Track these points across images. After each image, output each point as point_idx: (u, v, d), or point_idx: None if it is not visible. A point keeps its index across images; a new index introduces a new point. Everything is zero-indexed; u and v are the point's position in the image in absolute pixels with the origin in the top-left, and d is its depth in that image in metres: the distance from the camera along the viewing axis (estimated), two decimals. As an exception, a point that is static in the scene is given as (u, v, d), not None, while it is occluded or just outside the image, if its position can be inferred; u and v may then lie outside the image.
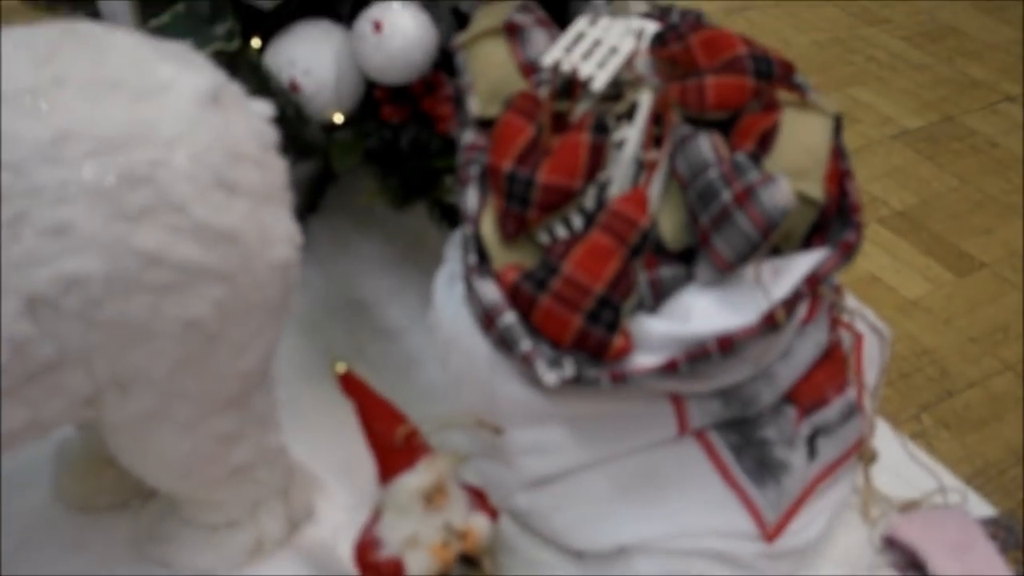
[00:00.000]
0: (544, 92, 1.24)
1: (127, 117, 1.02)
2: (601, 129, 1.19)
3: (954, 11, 3.40)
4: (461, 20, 1.41)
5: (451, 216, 1.51)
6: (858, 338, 1.39)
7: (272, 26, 1.40)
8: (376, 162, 1.42)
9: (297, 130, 1.36)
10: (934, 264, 2.43)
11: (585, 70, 1.22)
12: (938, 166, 2.74)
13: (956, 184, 2.67)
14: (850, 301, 1.40)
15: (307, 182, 1.47)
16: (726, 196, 1.15)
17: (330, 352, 1.49)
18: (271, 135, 1.12)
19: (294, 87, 1.36)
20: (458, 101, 1.34)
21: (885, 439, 1.47)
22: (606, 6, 1.41)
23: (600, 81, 1.22)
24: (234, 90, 1.12)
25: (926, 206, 2.60)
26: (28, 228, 0.98)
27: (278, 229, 1.10)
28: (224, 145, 1.06)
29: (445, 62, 1.39)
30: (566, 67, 1.23)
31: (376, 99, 1.40)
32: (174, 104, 1.04)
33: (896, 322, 2.21)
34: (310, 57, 1.36)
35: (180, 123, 1.04)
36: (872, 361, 1.39)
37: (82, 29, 1.09)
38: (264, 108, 1.14)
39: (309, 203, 1.49)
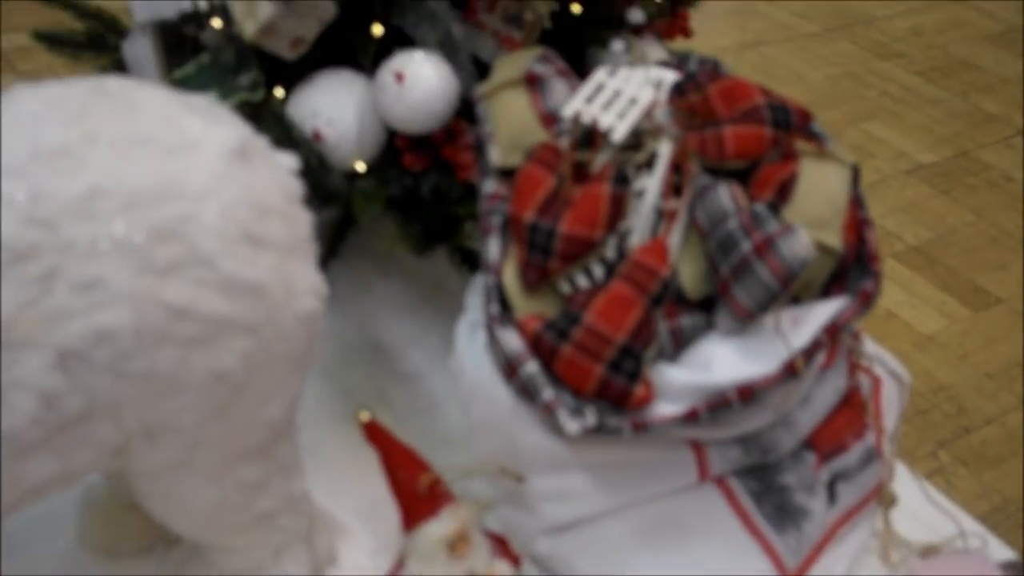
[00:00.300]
0: (565, 142, 1.26)
1: (157, 173, 1.04)
2: (621, 180, 1.21)
3: (968, 45, 3.42)
4: (481, 68, 1.43)
5: (471, 261, 1.52)
6: (876, 382, 1.39)
7: (295, 75, 1.42)
8: (397, 209, 1.44)
9: (320, 179, 1.37)
10: (950, 299, 2.44)
11: (605, 121, 1.24)
12: (953, 201, 2.75)
13: (971, 219, 2.69)
14: (868, 345, 1.41)
15: (328, 227, 1.49)
16: (746, 246, 1.16)
17: (351, 396, 1.50)
18: (296, 187, 1.14)
19: (317, 137, 1.38)
20: (479, 149, 1.35)
21: (903, 481, 1.47)
22: (624, 55, 1.42)
23: (620, 132, 1.23)
24: (260, 143, 1.14)
25: (941, 241, 2.61)
26: (60, 283, 0.99)
27: (303, 281, 1.12)
28: (251, 199, 1.07)
29: (465, 110, 1.41)
30: (586, 118, 1.24)
31: (397, 147, 1.41)
32: (202, 159, 1.06)
33: (912, 358, 2.22)
34: (333, 107, 1.38)
35: (208, 178, 1.05)
36: (891, 405, 1.40)
37: (112, 86, 1.11)
38: (289, 160, 1.15)
39: (330, 248, 1.50)
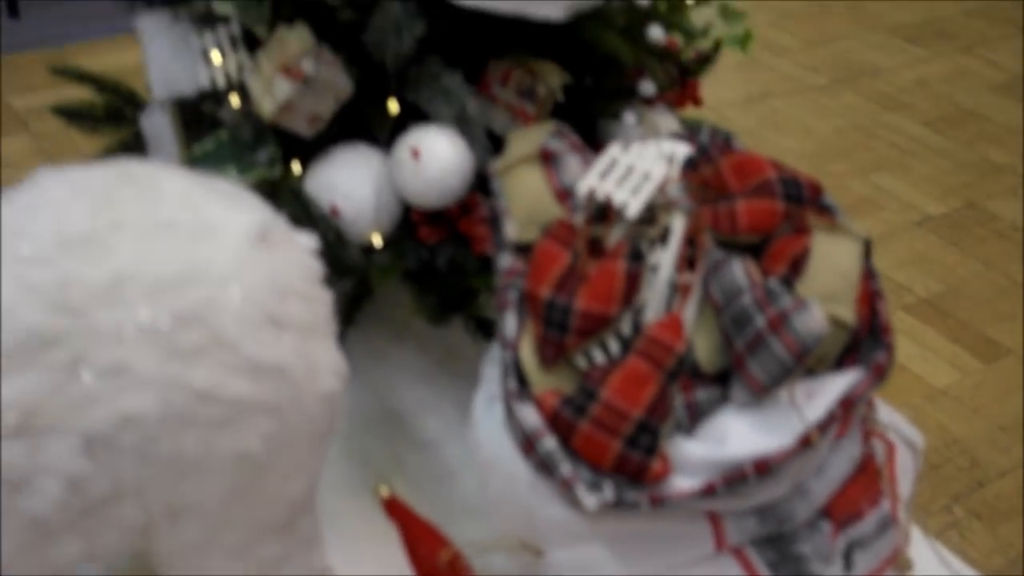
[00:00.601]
0: (579, 218, 1.28)
1: (181, 259, 1.06)
2: (636, 257, 1.23)
3: (974, 96, 3.44)
4: (495, 140, 1.46)
5: (485, 328, 1.54)
6: (891, 448, 1.40)
7: (312, 150, 1.44)
8: (413, 280, 1.46)
9: (337, 253, 1.39)
10: (961, 352, 2.44)
11: (619, 197, 1.26)
12: (962, 252, 2.76)
13: (981, 270, 2.69)
14: (882, 411, 1.42)
15: (344, 298, 1.51)
16: (760, 322, 1.18)
17: (369, 463, 1.52)
18: (316, 268, 1.16)
19: (335, 212, 1.40)
20: (494, 222, 1.37)
21: (918, 543, 1.48)
22: (637, 127, 1.45)
23: (634, 208, 1.25)
24: (280, 225, 1.16)
25: (951, 293, 2.62)
26: (86, 369, 1.01)
27: (324, 360, 1.14)
28: (272, 282, 1.09)
29: (480, 183, 1.43)
30: (601, 195, 1.26)
31: (413, 220, 1.44)
32: (225, 244, 1.08)
33: (924, 411, 2.23)
34: (350, 182, 1.40)
35: (231, 263, 1.07)
36: (905, 471, 1.41)
37: (137, 172, 1.13)
38: (309, 241, 1.17)
39: (346, 319, 1.52)
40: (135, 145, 1.67)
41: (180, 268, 1.05)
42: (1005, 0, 4.06)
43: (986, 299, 2.59)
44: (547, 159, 1.33)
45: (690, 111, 1.69)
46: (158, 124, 1.57)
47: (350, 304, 1.52)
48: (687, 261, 1.27)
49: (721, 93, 3.26)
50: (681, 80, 1.58)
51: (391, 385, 1.63)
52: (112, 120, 1.67)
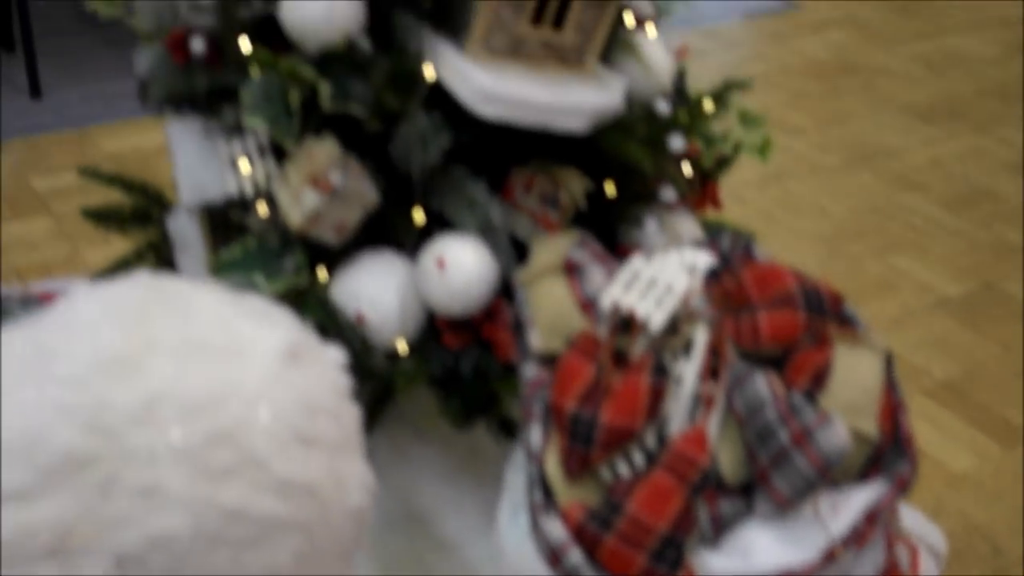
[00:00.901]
0: (603, 329, 1.29)
1: (212, 378, 1.07)
2: (660, 371, 1.24)
3: (987, 175, 3.46)
4: (518, 246, 1.48)
5: (509, 429, 1.55)
6: (914, 553, 1.41)
7: (337, 256, 1.46)
8: (438, 384, 1.47)
9: (362, 359, 1.41)
10: (980, 436, 2.45)
11: (643, 311, 1.28)
12: (980, 334, 2.77)
13: (998, 352, 2.70)
14: (905, 515, 1.43)
15: (368, 400, 1.52)
16: (783, 436, 1.19)
17: (392, 565, 1.52)
18: (345, 383, 1.17)
19: (360, 320, 1.41)
20: (517, 329, 1.39)
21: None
22: (658, 233, 1.47)
23: (657, 321, 1.27)
24: (309, 341, 1.17)
25: (969, 376, 2.62)
26: (119, 490, 1.02)
27: (353, 477, 1.14)
28: (302, 400, 1.10)
29: (504, 288, 1.45)
30: (624, 308, 1.28)
31: (438, 326, 1.45)
32: (256, 363, 1.09)
33: (945, 497, 2.23)
34: (375, 290, 1.42)
35: (262, 382, 1.08)
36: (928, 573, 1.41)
37: (169, 289, 1.14)
38: (337, 355, 1.19)
39: (370, 421, 1.53)
40: (161, 245, 1.69)
41: (212, 388, 1.06)
42: (1017, 79, 4.10)
43: (1004, 381, 2.60)
44: (571, 270, 1.35)
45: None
46: (185, 226, 1.59)
47: (373, 407, 1.53)
48: (710, 371, 1.28)
49: (738, 174, 3.29)
50: (701, 183, 1.61)
51: (414, 485, 1.64)
52: (139, 221, 1.69)
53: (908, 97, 3.92)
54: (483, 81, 1.35)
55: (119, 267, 1.74)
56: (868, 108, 3.83)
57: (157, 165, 3.12)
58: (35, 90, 3.50)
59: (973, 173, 3.46)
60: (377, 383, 1.44)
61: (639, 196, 1.54)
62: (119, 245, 1.84)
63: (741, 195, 3.19)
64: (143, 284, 1.16)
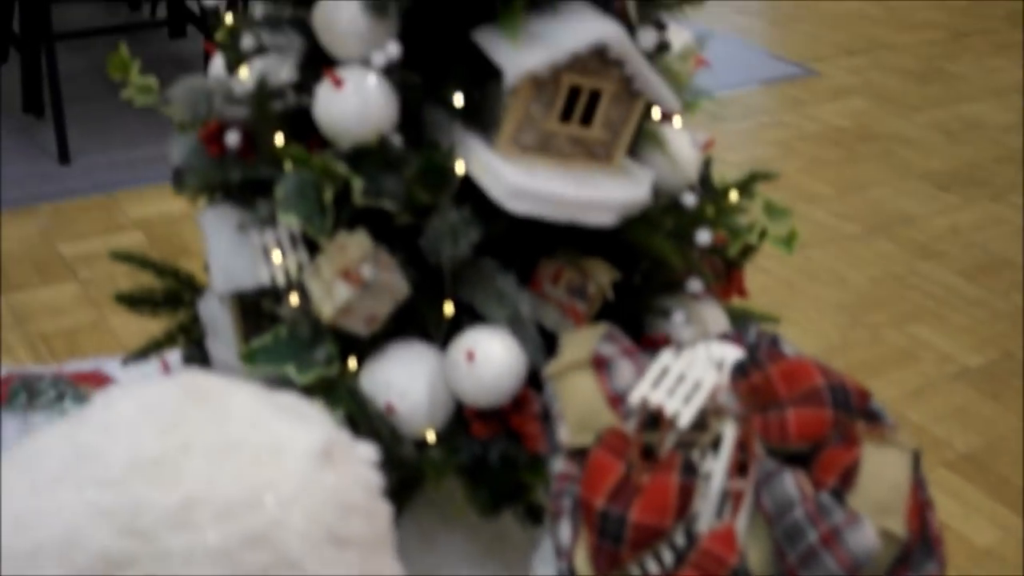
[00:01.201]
0: (632, 424, 1.31)
1: (248, 480, 1.08)
2: (689, 470, 1.25)
3: (1006, 243, 3.47)
4: (546, 336, 1.49)
5: (536, 515, 1.56)
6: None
7: (367, 346, 1.48)
8: (466, 474, 1.49)
9: (391, 449, 1.42)
10: (1003, 509, 2.44)
11: (671, 407, 1.29)
12: (1001, 405, 2.77)
13: (1020, 424, 2.70)
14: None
15: (396, 488, 1.53)
16: (812, 537, 1.20)
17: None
18: (377, 481, 1.19)
19: (390, 410, 1.43)
20: (546, 418, 1.40)
21: None
22: (686, 325, 1.48)
23: (686, 418, 1.28)
24: (343, 440, 1.19)
25: (991, 448, 2.62)
26: (155, 592, 1.03)
27: (385, 574, 1.16)
28: (336, 500, 1.12)
29: (533, 378, 1.46)
30: (653, 405, 1.29)
31: (466, 416, 1.47)
32: (291, 464, 1.11)
33: (968, 573, 2.22)
34: (405, 380, 1.44)
35: (296, 483, 1.10)
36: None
37: (204, 388, 1.16)
38: (370, 452, 1.20)
39: (397, 508, 1.54)
40: (192, 328, 1.71)
41: (247, 490, 1.08)
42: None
43: (1027, 454, 2.59)
44: (599, 365, 1.36)
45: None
46: (215, 311, 1.61)
47: (401, 494, 1.54)
48: (738, 467, 1.29)
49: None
50: (727, 272, 1.62)
51: (439, 570, 1.64)
52: (170, 304, 1.71)
53: (926, 164, 3.94)
54: (513, 177, 1.38)
55: (150, 349, 1.76)
56: (887, 175, 3.84)
57: (183, 230, 3.17)
58: (64, 155, 3.54)
59: (992, 241, 3.47)
60: (405, 472, 1.45)
61: (666, 286, 1.56)
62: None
63: (762, 264, 3.20)
64: (179, 383, 1.18)
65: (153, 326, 1.82)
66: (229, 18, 1.60)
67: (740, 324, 1.49)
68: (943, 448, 2.60)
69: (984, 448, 2.60)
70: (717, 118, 4.09)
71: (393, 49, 1.38)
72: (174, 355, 1.81)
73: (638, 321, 1.56)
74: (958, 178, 3.85)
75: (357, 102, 1.37)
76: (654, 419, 1.32)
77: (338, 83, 1.37)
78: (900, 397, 2.74)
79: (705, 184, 1.59)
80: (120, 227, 3.23)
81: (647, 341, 1.52)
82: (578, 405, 1.35)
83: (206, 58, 3.81)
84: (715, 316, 1.57)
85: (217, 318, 1.61)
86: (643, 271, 1.55)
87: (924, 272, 3.28)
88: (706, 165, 1.62)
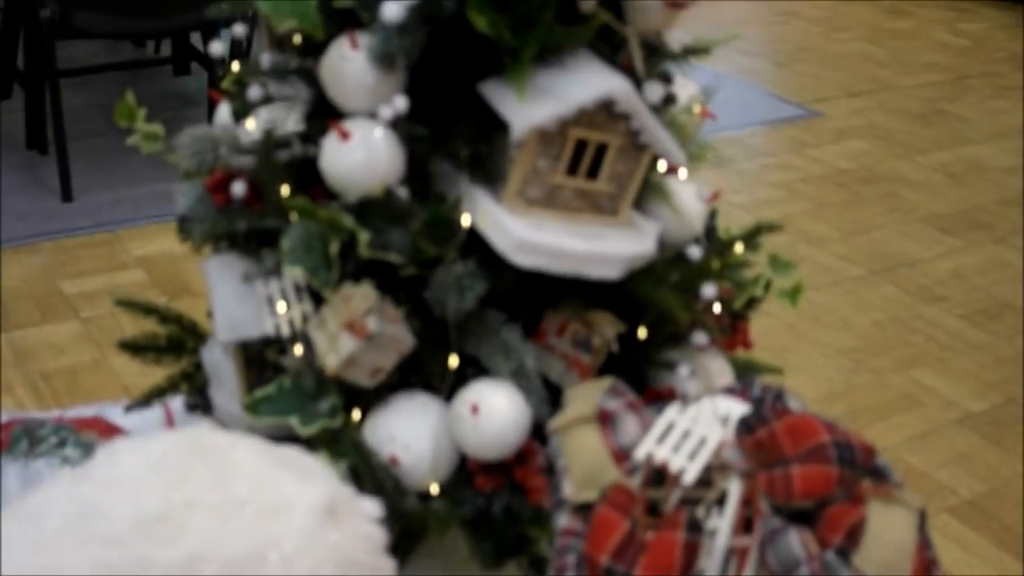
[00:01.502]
0: (637, 480, 1.30)
1: (252, 537, 1.08)
2: (695, 527, 1.25)
3: (1010, 287, 3.47)
4: (550, 387, 1.49)
5: (539, 567, 1.55)
6: None
7: (371, 397, 1.48)
8: (470, 526, 1.48)
9: (395, 501, 1.42)
10: (1007, 557, 2.43)
11: (676, 464, 1.28)
12: (1005, 451, 2.76)
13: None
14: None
15: (399, 540, 1.53)
16: (818, 597, 1.19)
17: None
18: (381, 537, 1.18)
19: (394, 462, 1.43)
20: (550, 471, 1.39)
21: None
22: (690, 379, 1.48)
23: (691, 475, 1.27)
24: (347, 495, 1.18)
25: (995, 494, 2.61)
26: (158, 649, 1.02)
27: (387, 631, 1.15)
28: (339, 557, 1.11)
29: (537, 430, 1.46)
30: (658, 461, 1.29)
31: (470, 469, 1.46)
32: (295, 521, 1.10)
33: (972, 621, 2.21)
34: (409, 432, 1.43)
35: (300, 540, 1.09)
36: None
37: (209, 444, 1.16)
38: (373, 508, 1.20)
39: (401, 561, 1.54)
40: (195, 375, 1.71)
41: (251, 547, 1.08)
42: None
43: (1030, 501, 2.58)
44: (604, 420, 1.36)
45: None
46: (219, 359, 1.61)
47: (404, 546, 1.53)
48: (743, 523, 1.29)
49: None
50: (732, 324, 1.62)
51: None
52: (173, 351, 1.71)
53: (930, 207, 3.94)
54: (519, 231, 1.38)
55: (153, 396, 1.76)
56: (890, 218, 3.85)
57: (185, 269, 3.17)
58: (66, 192, 3.55)
59: (995, 285, 3.47)
60: (409, 524, 1.45)
61: (671, 338, 1.56)
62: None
63: (765, 307, 3.19)
64: (183, 439, 1.18)
65: (155, 366, 1.81)
66: (236, 66, 1.60)
67: (745, 377, 1.49)
68: (947, 494, 2.59)
69: (987, 494, 2.59)
70: (721, 159, 4.09)
71: (400, 103, 1.39)
72: (177, 402, 1.81)
73: (642, 373, 1.56)
74: (961, 221, 3.85)
75: (363, 155, 1.37)
76: (659, 475, 1.31)
77: (345, 136, 1.38)
78: (904, 442, 2.73)
79: (710, 235, 1.59)
80: (122, 265, 3.23)
81: (652, 394, 1.52)
82: (583, 460, 1.34)
83: (210, 99, 3.83)
84: (720, 368, 1.57)
85: (220, 366, 1.61)
86: (648, 323, 1.54)
87: (928, 316, 3.28)
88: (711, 216, 1.62)
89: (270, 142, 1.44)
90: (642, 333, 1.53)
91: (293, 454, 1.20)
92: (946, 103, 4.95)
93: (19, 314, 2.95)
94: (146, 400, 1.77)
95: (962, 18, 6.29)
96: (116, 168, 3.71)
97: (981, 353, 3.12)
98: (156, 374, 1.80)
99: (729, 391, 1.43)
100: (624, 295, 1.51)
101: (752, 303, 1.63)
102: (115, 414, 2.14)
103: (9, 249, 3.23)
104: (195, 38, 4.06)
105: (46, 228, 3.37)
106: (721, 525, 1.28)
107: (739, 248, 1.56)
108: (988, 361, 3.09)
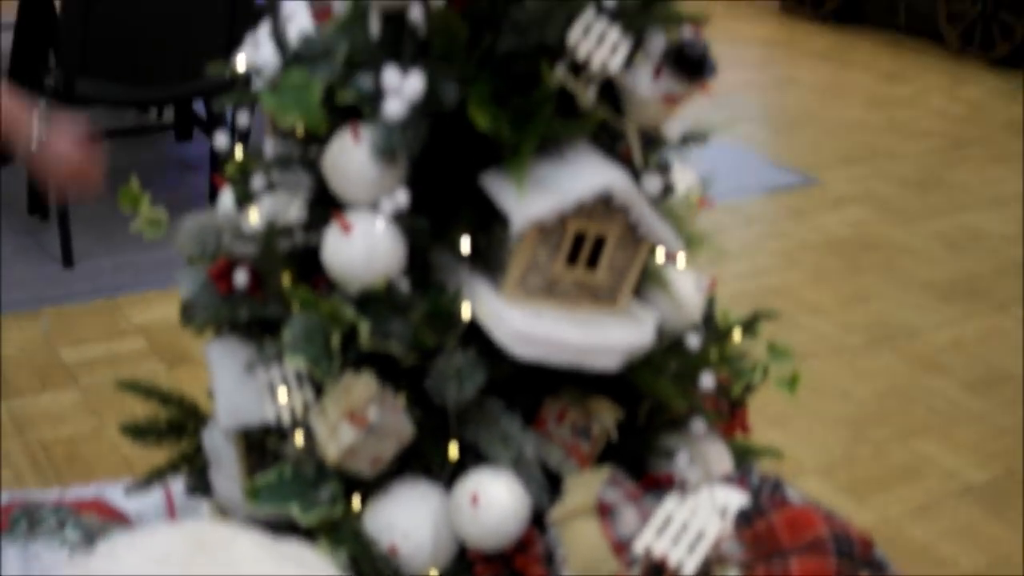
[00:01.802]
0: (636, 572, 1.31)
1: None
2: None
3: (1009, 356, 3.48)
4: (549, 474, 1.49)
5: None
6: None
7: (372, 485, 1.48)
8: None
9: (395, 592, 1.42)
10: (1007, 630, 2.42)
11: (675, 557, 1.29)
12: (1006, 523, 2.76)
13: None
14: None
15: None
16: None
17: None
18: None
19: (393, 551, 1.43)
20: (550, 560, 1.40)
21: None
22: (690, 466, 1.49)
23: (690, 568, 1.28)
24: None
25: (996, 567, 2.61)
26: None
27: None
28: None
29: (537, 517, 1.46)
30: (657, 554, 1.29)
31: (469, 557, 1.46)
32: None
33: None
34: (409, 521, 1.44)
35: (298, 642, 1.09)
36: None
37: (209, 540, 1.16)
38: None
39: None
40: (195, 457, 1.72)
41: (252, 644, 1.08)
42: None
43: (1031, 574, 2.57)
44: (603, 511, 1.37)
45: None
46: (219, 444, 1.61)
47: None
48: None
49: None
50: (730, 410, 1.63)
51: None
52: (174, 433, 1.72)
53: (928, 275, 3.96)
54: (518, 323, 1.39)
55: (153, 478, 1.76)
56: (889, 286, 3.86)
57: (184, 337, 3.16)
58: (67, 259, 3.57)
59: (994, 354, 3.48)
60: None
61: (669, 423, 1.56)
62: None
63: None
64: (184, 533, 1.18)
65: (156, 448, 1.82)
66: (239, 154, 1.62)
67: (743, 464, 1.49)
68: (948, 567, 2.58)
69: (988, 567, 2.59)
70: (719, 228, 4.12)
71: (402, 197, 1.40)
72: (177, 484, 1.81)
73: (641, 459, 1.56)
74: (959, 289, 3.86)
75: (365, 248, 1.39)
76: (658, 568, 1.32)
77: (347, 228, 1.39)
78: (904, 514, 2.73)
79: (709, 323, 1.61)
80: (122, 332, 3.24)
81: (650, 480, 1.52)
82: (582, 552, 1.35)
83: (212, 160, 3.86)
84: (719, 455, 1.57)
85: (221, 450, 1.61)
86: (647, 410, 1.55)
87: (928, 386, 3.29)
88: (709, 304, 1.63)
89: (273, 233, 1.46)
90: (641, 420, 1.54)
91: (293, 548, 1.20)
92: (944, 170, 4.99)
93: (18, 381, 2.96)
94: (146, 482, 1.78)
95: (960, 84, 6.34)
96: (117, 234, 3.73)
97: (981, 424, 3.12)
98: (156, 448, 1.80)
99: (728, 479, 1.44)
100: (623, 382, 1.51)
101: (750, 389, 1.64)
102: (115, 494, 2.14)
103: (9, 315, 3.24)
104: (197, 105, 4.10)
105: (47, 294, 3.39)
106: (721, 622, 1.28)
107: (737, 335, 1.57)
108: (988, 431, 3.09)
